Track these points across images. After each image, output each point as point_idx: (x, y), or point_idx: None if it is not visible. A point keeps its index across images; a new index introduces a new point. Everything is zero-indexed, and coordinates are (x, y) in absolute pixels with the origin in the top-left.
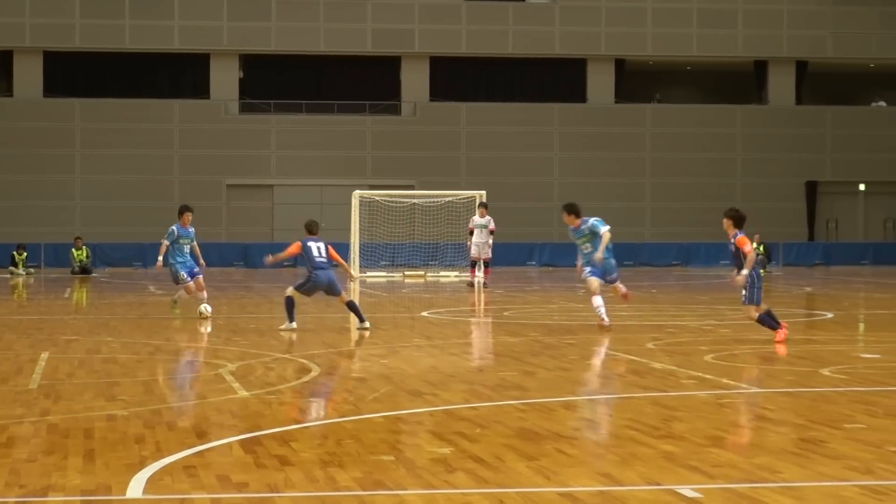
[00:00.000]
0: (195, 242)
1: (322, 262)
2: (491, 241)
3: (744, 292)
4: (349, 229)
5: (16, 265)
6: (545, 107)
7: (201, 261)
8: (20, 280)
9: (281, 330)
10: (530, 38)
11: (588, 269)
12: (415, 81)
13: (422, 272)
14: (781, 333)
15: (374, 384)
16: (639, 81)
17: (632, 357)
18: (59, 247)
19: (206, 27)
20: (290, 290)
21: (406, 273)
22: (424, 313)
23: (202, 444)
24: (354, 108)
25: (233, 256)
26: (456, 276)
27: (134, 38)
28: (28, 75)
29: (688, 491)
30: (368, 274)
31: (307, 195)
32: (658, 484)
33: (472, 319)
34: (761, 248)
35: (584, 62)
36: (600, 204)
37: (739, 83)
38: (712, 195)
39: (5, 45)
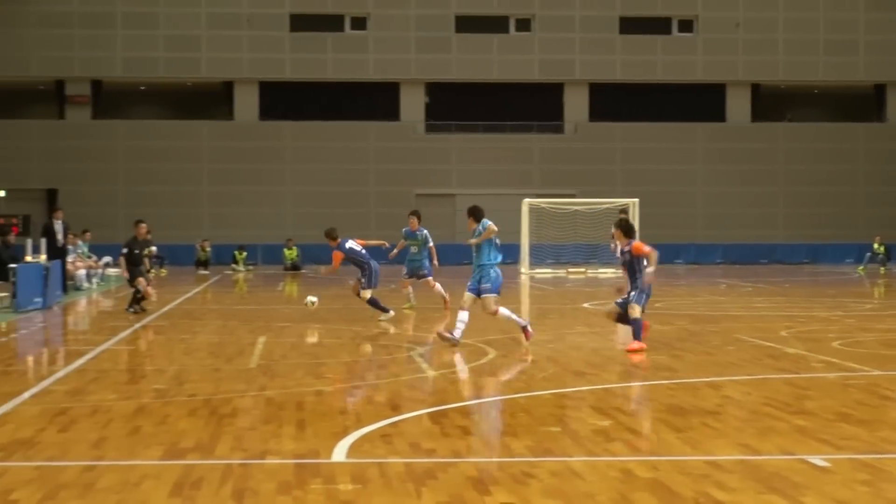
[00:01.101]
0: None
1: (367, 254)
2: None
3: (632, 293)
4: (519, 232)
5: (237, 263)
6: (689, 126)
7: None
8: (241, 276)
9: (381, 321)
10: (676, 66)
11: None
12: (576, 104)
13: (583, 269)
14: (636, 345)
15: (543, 365)
16: (772, 103)
17: (767, 343)
18: (273, 247)
19: (397, 60)
20: (367, 293)
21: (569, 270)
22: (586, 305)
23: (396, 415)
24: (524, 127)
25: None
26: (613, 273)
27: (335, 69)
28: (246, 102)
29: (818, 460)
30: (536, 271)
31: (483, 203)
32: (792, 454)
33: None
34: (882, 249)
35: (723, 87)
36: (739, 210)
37: (861, 103)
38: (838, 201)
39: (227, 77)
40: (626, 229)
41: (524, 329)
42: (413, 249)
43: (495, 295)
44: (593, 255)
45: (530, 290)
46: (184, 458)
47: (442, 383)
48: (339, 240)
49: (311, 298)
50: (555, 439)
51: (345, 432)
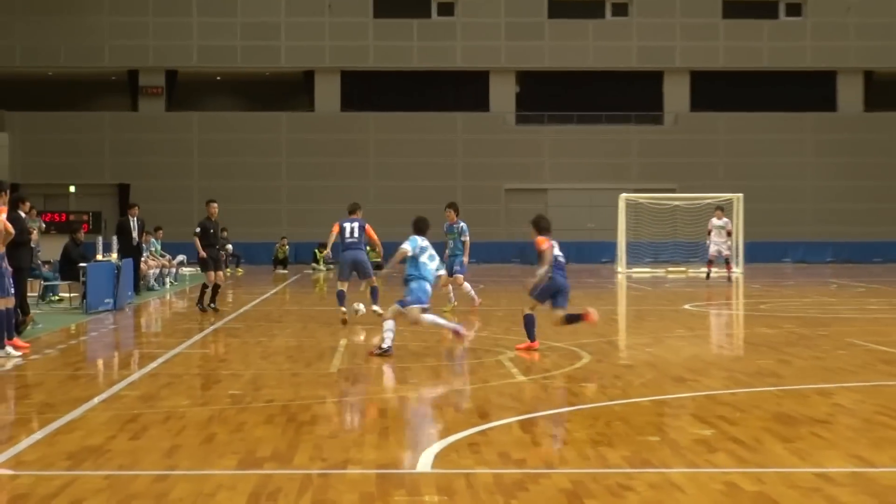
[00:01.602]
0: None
1: (352, 241)
2: (730, 242)
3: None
4: (615, 229)
5: (317, 262)
6: (797, 116)
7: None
8: (321, 275)
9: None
10: (783, 52)
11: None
12: (676, 94)
13: (683, 269)
14: (526, 344)
15: (641, 371)
16: (887, 91)
17: (882, 347)
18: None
19: (486, 47)
20: (338, 285)
21: (668, 269)
22: (686, 306)
23: (485, 423)
24: (621, 118)
25: (511, 254)
26: (715, 272)
27: (421, 57)
28: (327, 92)
29: None
30: (633, 270)
31: (577, 198)
32: None
33: (731, 312)
34: None
35: (834, 74)
36: (850, 205)
37: None
38: None
39: (308, 66)
40: (539, 226)
41: (456, 332)
42: (450, 244)
43: (420, 306)
44: (694, 253)
45: (627, 290)
46: (260, 468)
47: (533, 389)
48: (352, 216)
49: (358, 306)
50: (653, 449)
51: (430, 441)
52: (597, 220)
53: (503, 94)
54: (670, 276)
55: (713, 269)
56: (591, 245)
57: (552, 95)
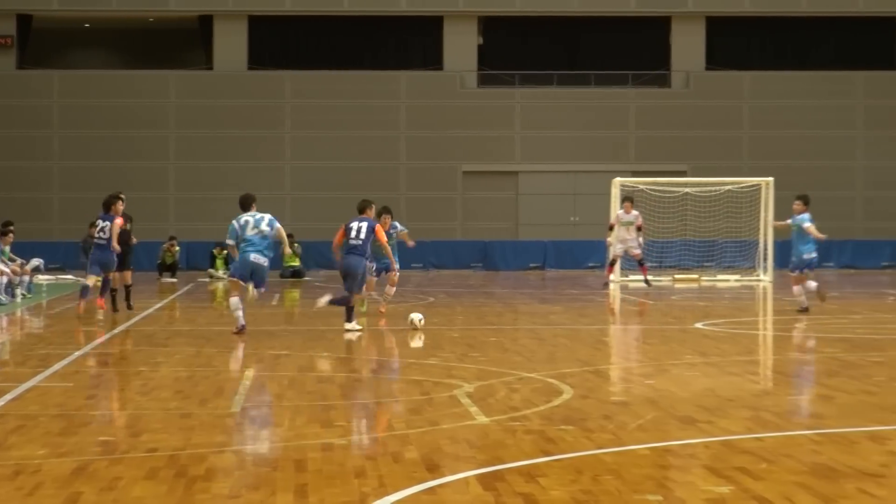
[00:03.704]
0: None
1: (354, 244)
2: (641, 240)
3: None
4: (606, 224)
5: (215, 267)
6: (846, 75)
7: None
8: (221, 285)
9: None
10: None
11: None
12: (688, 46)
13: (696, 275)
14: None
15: (639, 409)
16: None
17: None
18: None
19: None
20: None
21: (676, 276)
22: (698, 325)
23: (434, 478)
24: (615, 79)
25: (470, 257)
26: (737, 280)
27: None
28: (230, 45)
29: None
30: (631, 278)
31: (557, 183)
32: None
33: (757, 332)
34: None
35: (892, 21)
36: None
37: None
38: None
39: (204, 9)
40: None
41: (240, 329)
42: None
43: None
44: (709, 255)
45: (622, 304)
46: None
47: (497, 434)
48: (361, 216)
49: (416, 316)
50: None
51: (362, 502)
52: (582, 212)
53: (461, 46)
54: (678, 285)
55: (612, 274)
56: (575, 245)
57: (525, 49)
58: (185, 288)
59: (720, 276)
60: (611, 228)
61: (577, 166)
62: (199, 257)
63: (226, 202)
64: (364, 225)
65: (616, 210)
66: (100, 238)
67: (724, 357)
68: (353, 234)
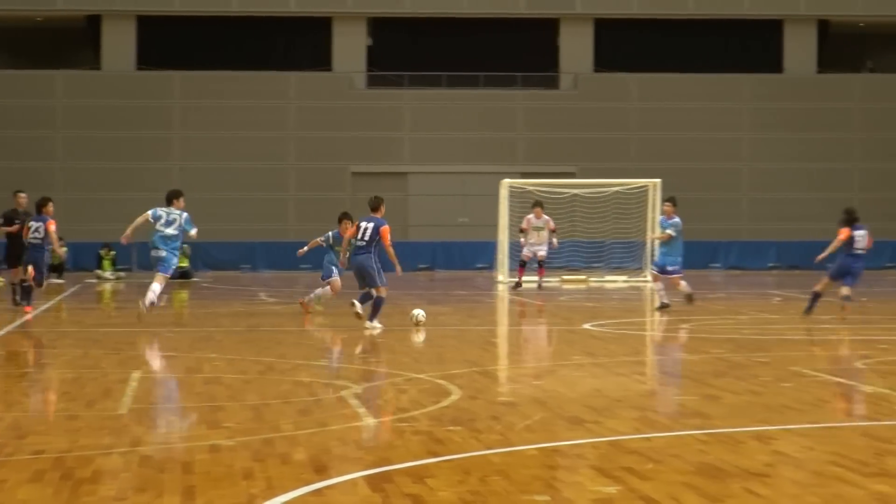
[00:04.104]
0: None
1: (360, 245)
2: (556, 241)
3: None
4: (496, 225)
5: (102, 268)
6: (732, 78)
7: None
8: (108, 286)
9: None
10: None
11: None
12: (576, 48)
13: (583, 276)
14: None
15: (527, 410)
16: (846, 47)
17: (837, 379)
18: None
19: None
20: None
21: (564, 277)
22: (586, 325)
23: (322, 480)
24: (503, 80)
25: None
26: (625, 282)
27: None
28: (119, 45)
29: None
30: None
31: (446, 185)
32: None
33: (644, 333)
34: None
35: (779, 24)
36: (798, 194)
37: None
38: None
39: (93, 9)
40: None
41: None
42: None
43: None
44: (597, 256)
45: (510, 304)
46: None
47: (386, 435)
48: (371, 214)
49: (418, 312)
50: None
51: (250, 503)
52: (471, 212)
53: (350, 47)
54: (566, 286)
55: (524, 277)
56: (464, 246)
57: (414, 50)
58: (72, 289)
59: (608, 277)
60: (521, 231)
61: (466, 167)
62: (87, 258)
63: (114, 203)
64: (371, 226)
65: (505, 212)
66: (34, 238)
67: (611, 358)
68: (360, 234)
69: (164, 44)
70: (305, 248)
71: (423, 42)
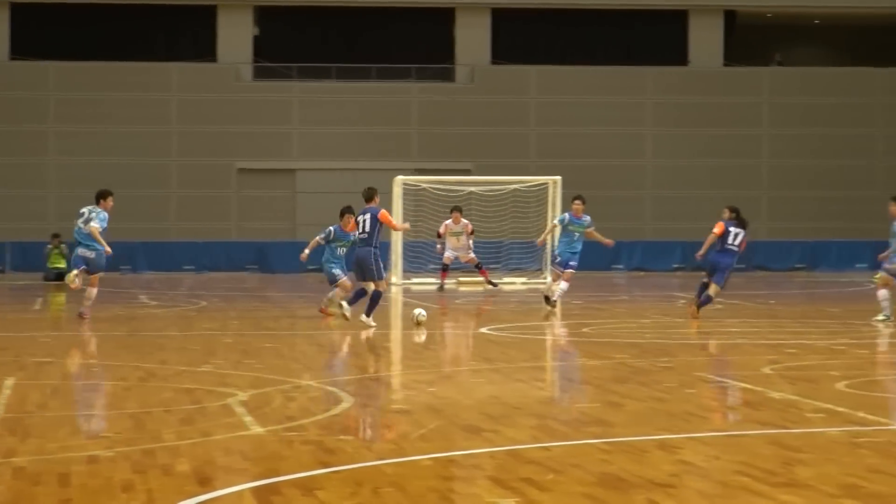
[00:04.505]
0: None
1: (362, 237)
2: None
3: None
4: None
5: None
6: (636, 71)
7: None
8: None
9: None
10: None
11: None
12: (472, 39)
13: (481, 278)
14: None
15: (421, 418)
16: (754, 39)
17: (744, 384)
18: (28, 246)
19: None
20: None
21: (461, 279)
22: (484, 329)
23: (205, 492)
24: (397, 72)
25: (245, 258)
26: (524, 283)
27: None
28: None
29: None
30: (413, 281)
31: (337, 182)
32: None
33: (544, 337)
34: None
35: (684, 14)
36: (703, 192)
37: (882, 40)
38: (848, 181)
39: None
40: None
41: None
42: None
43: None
44: (495, 257)
45: (404, 307)
46: None
47: (273, 445)
48: (368, 205)
49: (420, 312)
50: None
51: None
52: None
53: (236, 37)
54: (463, 288)
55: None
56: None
57: (304, 40)
58: None
59: (506, 279)
60: (439, 236)
61: (358, 164)
62: None
63: None
64: (368, 216)
65: (399, 211)
66: None
67: (510, 363)
68: (360, 228)
69: (39, 32)
70: (307, 251)
71: (313, 32)
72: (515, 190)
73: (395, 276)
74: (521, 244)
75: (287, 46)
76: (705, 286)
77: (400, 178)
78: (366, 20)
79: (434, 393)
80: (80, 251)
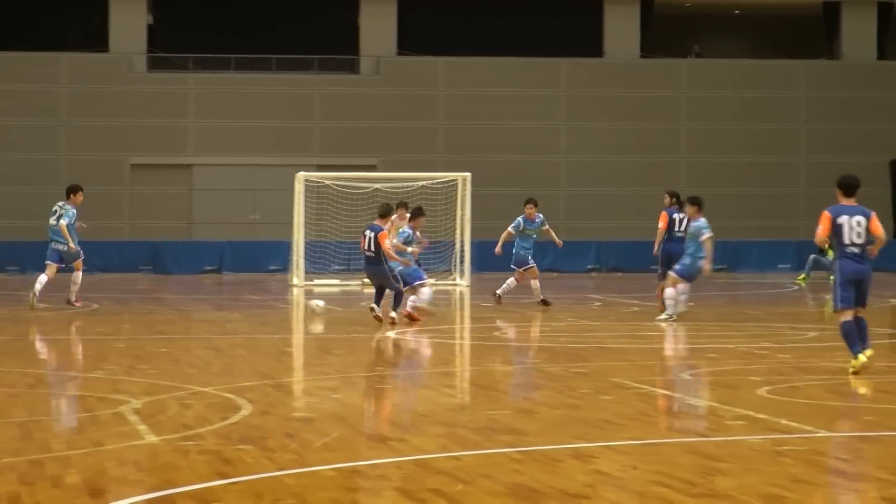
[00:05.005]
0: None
1: (370, 255)
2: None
3: None
4: (290, 223)
5: None
6: (549, 62)
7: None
8: None
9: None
10: None
11: None
12: (378, 29)
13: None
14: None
15: (324, 426)
16: (671, 30)
17: (661, 390)
18: None
19: None
20: None
21: (366, 281)
22: (390, 333)
23: None
24: (298, 64)
25: (138, 258)
26: (432, 285)
27: None
28: None
29: None
30: (316, 282)
31: (235, 178)
32: None
33: (452, 341)
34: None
35: (600, 4)
36: (619, 189)
37: (805, 32)
38: (768, 178)
39: None
40: None
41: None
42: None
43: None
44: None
45: (306, 311)
46: None
47: (169, 455)
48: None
49: (317, 303)
50: None
51: None
52: (263, 209)
53: (129, 26)
54: (368, 289)
55: None
56: (256, 245)
57: (199, 29)
58: None
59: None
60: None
61: (257, 159)
62: None
63: None
64: (372, 235)
65: (300, 209)
66: None
67: (417, 368)
68: (366, 244)
69: None
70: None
71: (211, 21)
72: (423, 187)
73: (297, 278)
74: (429, 244)
75: (183, 36)
76: (663, 277)
77: (302, 175)
78: (266, 9)
79: (338, 400)
80: (54, 245)
